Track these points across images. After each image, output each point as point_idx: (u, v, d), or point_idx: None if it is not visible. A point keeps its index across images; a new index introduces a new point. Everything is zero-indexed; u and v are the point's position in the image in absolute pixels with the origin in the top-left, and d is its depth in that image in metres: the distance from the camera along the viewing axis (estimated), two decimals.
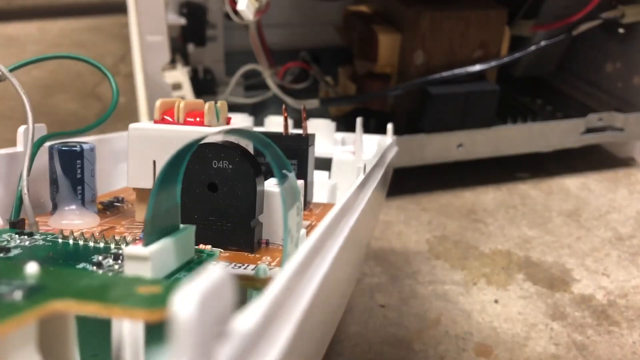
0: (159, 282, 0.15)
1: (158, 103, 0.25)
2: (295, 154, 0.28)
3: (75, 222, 0.24)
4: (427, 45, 0.47)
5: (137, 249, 0.16)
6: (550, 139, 0.51)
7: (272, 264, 0.21)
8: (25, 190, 0.23)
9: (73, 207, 0.25)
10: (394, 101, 0.50)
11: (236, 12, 0.39)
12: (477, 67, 0.47)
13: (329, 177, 0.33)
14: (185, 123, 0.25)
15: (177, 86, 0.44)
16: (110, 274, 0.18)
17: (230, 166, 0.22)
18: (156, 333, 0.17)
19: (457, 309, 0.34)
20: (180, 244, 0.18)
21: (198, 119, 0.25)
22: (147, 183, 0.25)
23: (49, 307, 0.13)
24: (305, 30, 0.61)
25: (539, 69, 0.63)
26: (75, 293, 0.14)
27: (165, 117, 0.25)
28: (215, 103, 0.25)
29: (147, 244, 0.16)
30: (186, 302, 0.09)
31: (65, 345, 0.15)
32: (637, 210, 0.47)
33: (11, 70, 0.25)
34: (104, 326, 0.16)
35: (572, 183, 0.51)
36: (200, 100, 0.26)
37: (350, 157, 0.34)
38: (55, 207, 0.25)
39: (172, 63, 0.46)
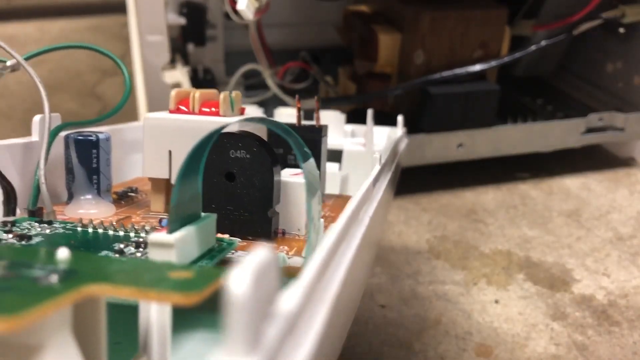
0: (190, 268, 0.15)
1: (173, 93, 0.25)
2: (309, 145, 0.28)
3: (91, 211, 0.24)
4: (427, 45, 0.47)
5: (162, 236, 0.16)
6: (550, 139, 0.51)
7: (290, 253, 0.21)
8: (42, 180, 0.23)
9: (89, 196, 0.25)
10: (394, 101, 0.49)
11: (236, 12, 0.39)
12: (478, 67, 0.47)
13: (340, 168, 0.33)
14: (201, 113, 0.25)
15: (176, 86, 0.44)
16: None
17: (248, 156, 0.22)
18: (184, 319, 0.17)
19: (457, 309, 0.34)
20: (203, 232, 0.18)
21: (213, 109, 0.25)
22: (163, 173, 0.25)
23: (85, 291, 0.13)
24: (305, 30, 0.61)
25: (539, 69, 0.63)
26: (108, 277, 0.14)
27: (181, 107, 0.25)
28: (230, 93, 0.25)
29: (171, 231, 0.16)
30: (241, 280, 0.09)
31: (97, 331, 0.15)
32: (637, 210, 0.47)
33: (26, 59, 0.25)
34: (128, 313, 0.16)
35: (572, 183, 0.51)
36: (215, 91, 0.26)
37: (361, 148, 0.34)
38: (71, 197, 0.25)
39: (172, 63, 0.46)
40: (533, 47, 0.49)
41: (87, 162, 0.25)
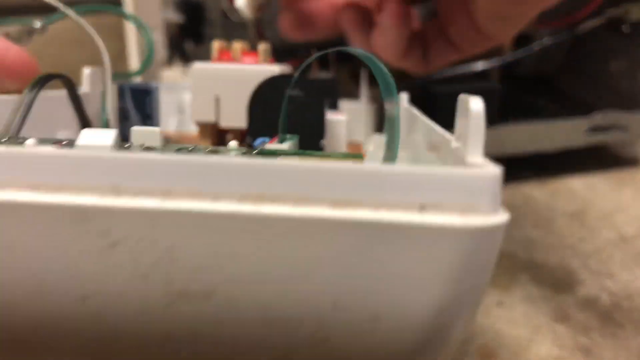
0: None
1: (216, 45, 0.29)
2: (325, 94, 0.32)
3: None
4: None
5: (275, 145, 0.21)
6: (554, 139, 0.50)
7: None
8: (112, 123, 0.26)
9: None
10: None
11: (235, 10, 0.39)
12: (480, 66, 0.46)
13: None
14: (242, 62, 0.29)
15: None
16: None
17: (302, 94, 0.25)
18: None
19: None
20: (295, 147, 0.23)
21: (254, 58, 0.29)
22: (211, 117, 0.28)
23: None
24: None
25: (542, 67, 0.62)
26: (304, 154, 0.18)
27: (223, 57, 0.29)
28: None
29: (281, 142, 0.21)
30: (476, 103, 0.15)
31: None
32: None
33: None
34: None
35: (576, 183, 0.51)
36: (244, 43, 0.30)
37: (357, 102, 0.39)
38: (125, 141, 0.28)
39: (170, 61, 0.45)
40: (536, 46, 0.48)
41: (143, 108, 0.28)
